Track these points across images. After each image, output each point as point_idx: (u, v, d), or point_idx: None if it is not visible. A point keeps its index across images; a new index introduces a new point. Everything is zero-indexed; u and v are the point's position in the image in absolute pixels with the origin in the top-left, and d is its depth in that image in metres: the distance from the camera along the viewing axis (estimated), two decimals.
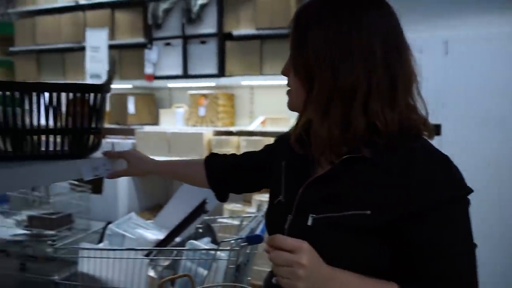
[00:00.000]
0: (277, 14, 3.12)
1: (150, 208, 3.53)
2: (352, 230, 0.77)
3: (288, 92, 0.88)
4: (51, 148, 0.99)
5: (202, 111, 3.42)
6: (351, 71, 0.77)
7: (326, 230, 0.79)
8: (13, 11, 4.37)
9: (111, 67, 1.08)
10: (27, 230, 2.53)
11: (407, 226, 0.75)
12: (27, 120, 0.95)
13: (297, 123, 0.93)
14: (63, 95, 0.98)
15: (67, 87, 0.98)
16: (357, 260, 0.77)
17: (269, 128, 3.25)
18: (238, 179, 1.15)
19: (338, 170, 0.81)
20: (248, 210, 2.94)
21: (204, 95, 3.41)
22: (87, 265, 1.56)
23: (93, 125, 1.04)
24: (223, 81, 3.38)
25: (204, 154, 3.19)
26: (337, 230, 0.78)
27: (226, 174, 1.15)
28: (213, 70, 3.38)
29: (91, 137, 1.04)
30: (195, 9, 3.35)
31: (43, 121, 0.99)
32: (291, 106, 0.89)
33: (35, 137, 0.97)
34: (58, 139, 1.00)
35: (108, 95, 1.10)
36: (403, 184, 0.75)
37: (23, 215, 2.60)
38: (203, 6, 3.34)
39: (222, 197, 1.19)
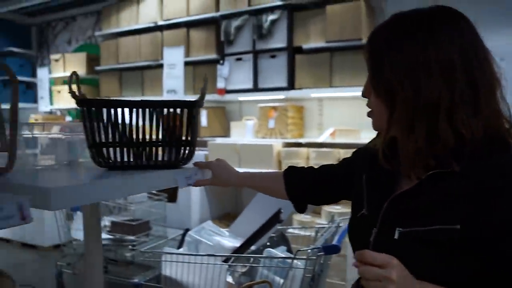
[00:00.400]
0: (346, 26, 3.12)
1: (221, 217, 3.64)
2: (440, 245, 0.76)
3: (370, 113, 0.90)
4: (152, 159, 1.08)
5: (271, 123, 3.48)
6: (432, 86, 0.77)
7: (413, 244, 0.79)
8: (99, 33, 4.79)
9: (204, 85, 1.16)
10: (110, 235, 2.73)
11: (500, 241, 0.73)
12: (134, 134, 1.05)
13: (382, 140, 0.92)
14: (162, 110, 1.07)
15: (167, 104, 1.06)
16: (442, 273, 0.76)
17: (338, 140, 3.22)
18: (316, 192, 1.17)
19: (425, 184, 0.81)
20: (317, 221, 2.93)
21: (274, 108, 3.48)
22: (169, 270, 1.67)
23: (188, 138, 1.12)
24: (293, 93, 3.43)
25: (273, 165, 3.24)
26: (424, 244, 0.78)
27: (305, 187, 1.18)
28: (283, 83, 3.44)
29: (186, 149, 1.13)
30: (266, 24, 3.44)
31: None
32: (376, 127, 0.90)
33: (139, 149, 1.07)
34: (157, 151, 1.09)
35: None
36: (495, 197, 0.74)
37: (106, 221, 2.81)
38: (274, 22, 3.43)
39: (301, 209, 1.22)
